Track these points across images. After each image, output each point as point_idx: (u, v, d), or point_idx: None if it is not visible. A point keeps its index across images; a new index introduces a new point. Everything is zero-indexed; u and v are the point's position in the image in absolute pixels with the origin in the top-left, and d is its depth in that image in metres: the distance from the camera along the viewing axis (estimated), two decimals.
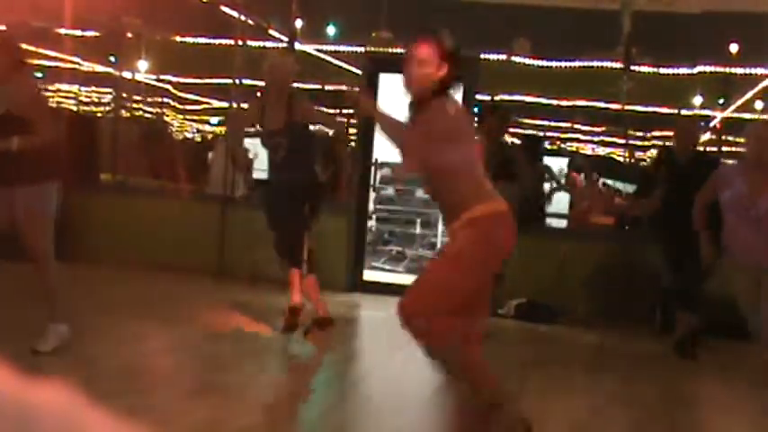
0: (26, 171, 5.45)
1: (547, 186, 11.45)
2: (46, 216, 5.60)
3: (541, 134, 11.11)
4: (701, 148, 8.62)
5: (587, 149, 12.71)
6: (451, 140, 3.89)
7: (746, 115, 10.39)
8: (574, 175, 11.94)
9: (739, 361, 7.60)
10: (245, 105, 9.24)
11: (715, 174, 5.98)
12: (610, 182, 12.31)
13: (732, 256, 5.83)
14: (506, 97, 10.46)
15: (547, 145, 11.85)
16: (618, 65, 9.88)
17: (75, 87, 12.06)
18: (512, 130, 11.28)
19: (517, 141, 10.92)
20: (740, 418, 5.82)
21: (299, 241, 6.80)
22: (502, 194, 7.30)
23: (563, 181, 11.55)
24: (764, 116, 10.59)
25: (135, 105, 12.49)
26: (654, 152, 12.42)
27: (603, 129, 11.82)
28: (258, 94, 7.13)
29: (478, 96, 10.18)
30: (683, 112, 9.50)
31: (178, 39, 11.26)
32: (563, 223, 11.48)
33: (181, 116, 16.09)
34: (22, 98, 5.44)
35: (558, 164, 12.08)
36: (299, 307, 6.73)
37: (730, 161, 9.73)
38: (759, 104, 10.58)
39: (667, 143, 9.07)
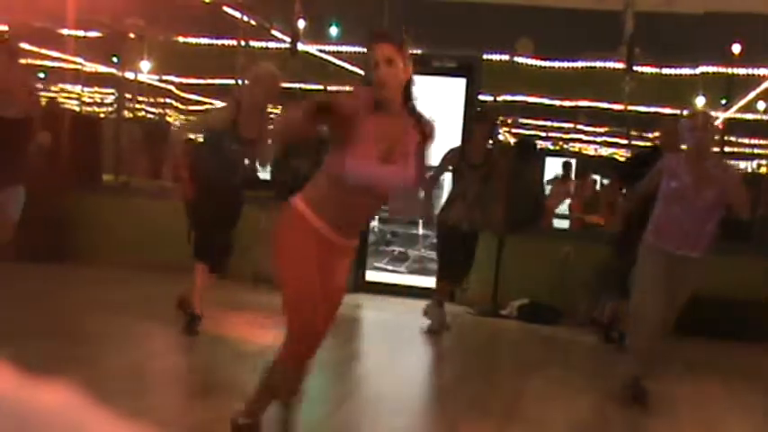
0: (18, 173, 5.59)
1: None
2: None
3: (534, 136, 11.13)
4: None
5: (590, 150, 12.69)
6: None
7: (749, 116, 10.38)
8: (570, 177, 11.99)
9: (740, 361, 7.60)
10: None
11: (660, 163, 5.90)
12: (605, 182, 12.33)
13: (657, 241, 5.76)
14: (509, 98, 10.45)
15: (548, 145, 11.82)
16: (620, 65, 9.87)
17: (77, 88, 12.06)
18: (513, 131, 11.31)
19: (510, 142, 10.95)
20: (740, 417, 5.82)
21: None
22: (490, 196, 7.28)
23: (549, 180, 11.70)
24: (766, 116, 10.58)
25: (137, 106, 12.49)
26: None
27: (606, 129, 11.80)
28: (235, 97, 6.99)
29: (481, 97, 10.19)
30: (686, 112, 9.49)
31: (181, 39, 11.26)
32: (565, 224, 11.47)
33: (183, 117, 16.09)
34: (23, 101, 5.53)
35: (558, 164, 12.09)
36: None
37: (732, 162, 9.73)
38: (761, 105, 10.56)
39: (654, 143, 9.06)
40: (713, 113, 7.84)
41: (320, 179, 3.68)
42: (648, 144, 9.78)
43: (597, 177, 12.47)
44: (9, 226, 5.98)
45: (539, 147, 10.88)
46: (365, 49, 3.71)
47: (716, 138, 5.81)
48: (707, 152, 5.69)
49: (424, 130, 3.74)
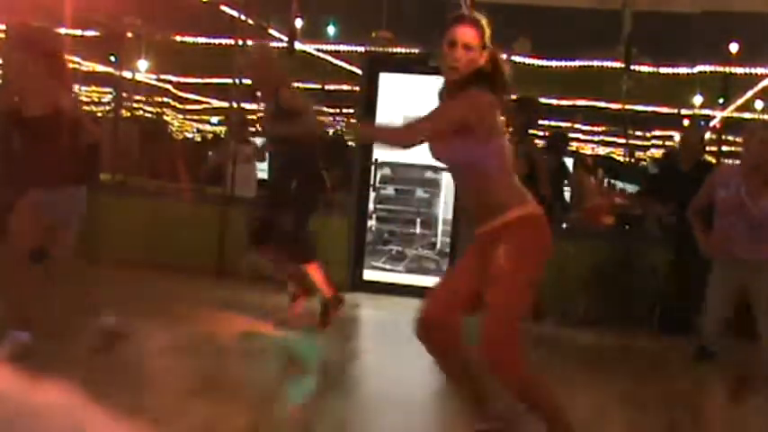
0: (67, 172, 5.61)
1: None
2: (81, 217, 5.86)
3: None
4: (706, 157, 8.63)
5: (587, 149, 12.70)
6: (486, 132, 3.66)
7: (747, 115, 10.39)
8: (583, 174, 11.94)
9: (741, 361, 7.59)
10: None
11: (711, 175, 6.01)
12: (611, 181, 12.33)
13: (722, 254, 5.85)
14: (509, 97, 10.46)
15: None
16: (618, 64, 9.87)
17: (75, 87, 12.06)
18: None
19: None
20: (742, 418, 5.81)
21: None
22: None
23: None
24: (765, 116, 10.58)
25: (135, 105, 12.48)
26: (654, 152, 12.43)
27: (603, 128, 11.81)
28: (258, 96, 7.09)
29: None
30: (683, 111, 9.50)
31: (178, 38, 11.25)
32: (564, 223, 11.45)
33: (181, 116, 16.07)
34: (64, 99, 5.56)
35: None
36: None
37: (729, 161, 9.73)
38: (759, 104, 10.57)
39: (669, 143, 9.09)
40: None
41: None
42: (647, 144, 9.76)
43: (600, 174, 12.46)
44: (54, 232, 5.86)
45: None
46: (446, 30, 3.79)
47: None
48: (765, 165, 5.71)
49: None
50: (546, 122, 11.05)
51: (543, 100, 9.14)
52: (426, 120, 3.66)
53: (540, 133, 10.43)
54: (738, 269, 5.78)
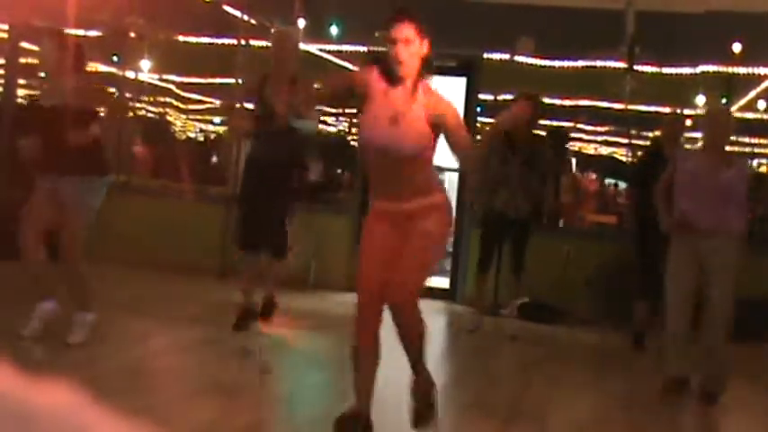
0: (76, 162, 5.63)
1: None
2: (90, 208, 5.91)
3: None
4: (689, 145, 8.68)
5: (590, 149, 12.69)
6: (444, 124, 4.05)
7: (749, 114, 10.36)
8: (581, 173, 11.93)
9: (742, 361, 7.59)
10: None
11: (674, 154, 6.26)
12: (613, 181, 12.30)
13: (682, 229, 5.90)
14: (509, 97, 10.44)
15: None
16: (621, 64, 9.86)
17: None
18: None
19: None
20: (743, 418, 5.82)
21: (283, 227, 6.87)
22: (526, 186, 7.29)
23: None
24: (767, 116, 10.56)
25: (138, 105, 12.47)
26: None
27: (606, 128, 11.79)
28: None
29: (481, 96, 10.19)
30: (686, 111, 9.48)
31: (181, 38, 11.25)
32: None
33: (184, 116, 16.08)
34: (78, 93, 5.63)
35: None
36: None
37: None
38: (762, 104, 10.55)
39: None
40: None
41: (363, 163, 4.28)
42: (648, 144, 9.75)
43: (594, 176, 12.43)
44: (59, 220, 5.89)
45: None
46: (385, 29, 4.02)
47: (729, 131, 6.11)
48: (721, 142, 6.04)
49: (433, 104, 4.03)
50: (549, 122, 11.03)
51: (546, 100, 9.13)
52: (466, 132, 4.14)
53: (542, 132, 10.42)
54: (696, 244, 5.84)
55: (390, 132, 3.94)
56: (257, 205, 6.78)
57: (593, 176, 12.23)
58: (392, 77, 3.96)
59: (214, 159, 13.28)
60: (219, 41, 11.00)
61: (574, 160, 11.85)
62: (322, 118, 7.83)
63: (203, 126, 17.12)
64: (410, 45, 3.90)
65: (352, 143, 11.17)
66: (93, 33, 10.98)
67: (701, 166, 5.93)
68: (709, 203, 5.84)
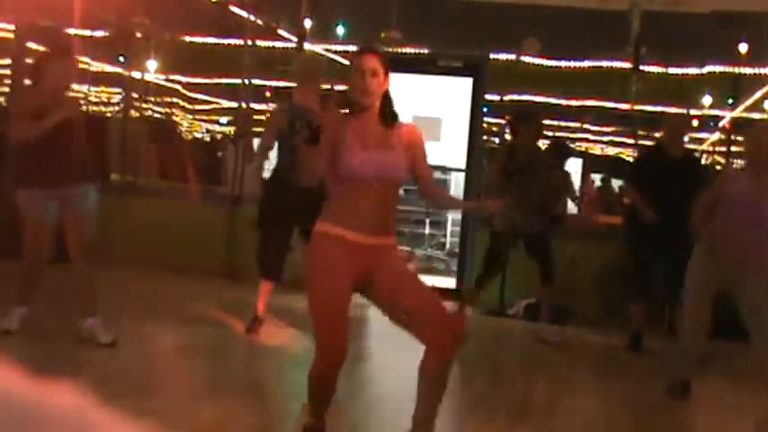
0: (77, 171, 5.68)
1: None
2: (91, 214, 6.03)
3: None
4: (692, 147, 8.66)
5: (596, 149, 12.69)
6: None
7: (756, 115, 10.36)
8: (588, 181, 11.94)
9: (743, 362, 7.58)
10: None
11: (722, 174, 6.05)
12: (619, 182, 12.31)
13: (715, 245, 5.78)
14: (515, 97, 10.45)
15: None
16: (627, 65, 9.86)
17: (84, 87, 12.09)
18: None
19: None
20: (743, 418, 5.80)
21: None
22: (524, 199, 7.22)
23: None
24: None
25: (144, 105, 12.51)
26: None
27: (612, 129, 11.79)
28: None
29: (488, 96, 10.18)
30: (692, 111, 9.48)
31: (187, 39, 11.28)
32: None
33: (190, 116, 16.11)
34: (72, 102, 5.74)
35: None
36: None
37: (739, 161, 9.71)
38: None
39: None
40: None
41: (331, 195, 4.00)
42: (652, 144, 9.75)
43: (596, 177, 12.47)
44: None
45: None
46: (351, 60, 4.00)
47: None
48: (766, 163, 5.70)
49: (407, 135, 4.04)
50: (555, 123, 11.04)
51: (552, 101, 9.13)
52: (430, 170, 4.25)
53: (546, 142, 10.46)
54: (726, 268, 5.73)
55: (384, 158, 3.90)
56: (284, 234, 6.80)
57: (593, 180, 12.24)
58: (355, 107, 3.93)
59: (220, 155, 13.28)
60: (226, 42, 11.01)
61: (580, 161, 11.86)
62: None
63: (210, 126, 17.14)
64: (377, 77, 3.90)
65: None
66: (99, 34, 11.00)
67: (747, 193, 5.67)
68: (748, 234, 5.63)
